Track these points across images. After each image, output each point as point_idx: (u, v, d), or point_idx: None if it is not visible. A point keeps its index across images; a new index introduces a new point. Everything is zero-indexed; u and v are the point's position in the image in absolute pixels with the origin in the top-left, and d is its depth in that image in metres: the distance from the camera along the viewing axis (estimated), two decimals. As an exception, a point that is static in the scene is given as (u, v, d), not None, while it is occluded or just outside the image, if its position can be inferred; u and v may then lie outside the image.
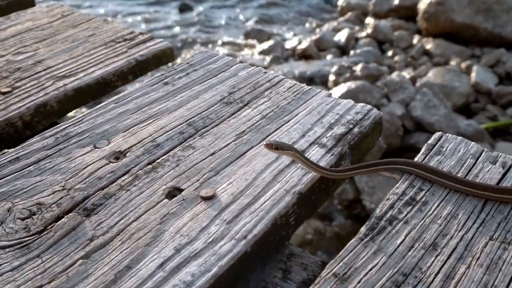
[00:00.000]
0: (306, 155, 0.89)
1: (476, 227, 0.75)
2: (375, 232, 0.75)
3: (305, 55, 4.76)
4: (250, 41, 5.20)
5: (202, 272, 0.69)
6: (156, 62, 1.31)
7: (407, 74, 4.14)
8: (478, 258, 0.70)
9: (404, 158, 0.91)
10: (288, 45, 5.03)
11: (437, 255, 0.71)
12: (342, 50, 4.79)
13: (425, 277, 0.68)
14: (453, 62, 4.32)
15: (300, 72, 4.38)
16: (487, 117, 3.79)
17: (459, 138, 0.93)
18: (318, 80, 4.31)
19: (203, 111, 1.05)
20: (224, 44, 5.23)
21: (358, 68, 4.09)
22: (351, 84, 3.77)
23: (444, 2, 4.54)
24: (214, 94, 1.11)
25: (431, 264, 0.70)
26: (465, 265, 0.69)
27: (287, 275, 0.78)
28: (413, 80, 4.06)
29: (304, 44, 4.82)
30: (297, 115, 1.03)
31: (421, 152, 0.91)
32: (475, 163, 0.88)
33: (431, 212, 0.78)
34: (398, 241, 0.74)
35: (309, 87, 1.12)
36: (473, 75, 4.03)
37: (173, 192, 0.84)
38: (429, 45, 4.59)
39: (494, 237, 0.73)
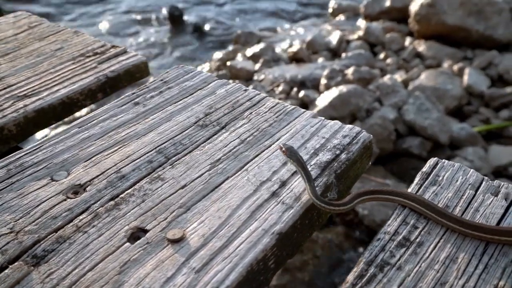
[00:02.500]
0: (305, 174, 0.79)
1: (479, 274, 0.66)
2: (364, 282, 0.66)
3: (296, 58, 4.67)
4: (240, 45, 5.10)
5: (165, 336, 0.60)
6: (128, 78, 1.21)
7: (399, 77, 4.07)
8: (482, 312, 0.62)
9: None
10: (279, 48, 4.94)
11: (435, 309, 0.62)
12: (334, 52, 4.72)
13: (422, 337, 0.59)
14: (445, 65, 4.26)
15: (291, 76, 4.29)
16: (480, 120, 3.74)
17: (457, 165, 0.84)
18: (309, 84, 4.22)
19: (176, 136, 0.95)
20: (214, 48, 5.12)
21: (349, 71, 4.01)
22: (342, 88, 3.69)
23: (435, 4, 4.48)
24: (189, 115, 1.01)
25: (428, 320, 0.61)
26: (467, 322, 0.61)
27: (266, 329, 0.69)
28: (405, 83, 4.00)
29: (295, 47, 4.74)
30: (279, 139, 0.93)
31: (415, 182, 0.82)
32: (475, 195, 0.79)
33: (427, 255, 0.69)
34: (391, 292, 0.65)
35: (293, 106, 1.02)
36: (465, 77, 3.98)
37: (136, 234, 0.75)
38: (421, 47, 4.53)
39: (499, 286, 0.65)
